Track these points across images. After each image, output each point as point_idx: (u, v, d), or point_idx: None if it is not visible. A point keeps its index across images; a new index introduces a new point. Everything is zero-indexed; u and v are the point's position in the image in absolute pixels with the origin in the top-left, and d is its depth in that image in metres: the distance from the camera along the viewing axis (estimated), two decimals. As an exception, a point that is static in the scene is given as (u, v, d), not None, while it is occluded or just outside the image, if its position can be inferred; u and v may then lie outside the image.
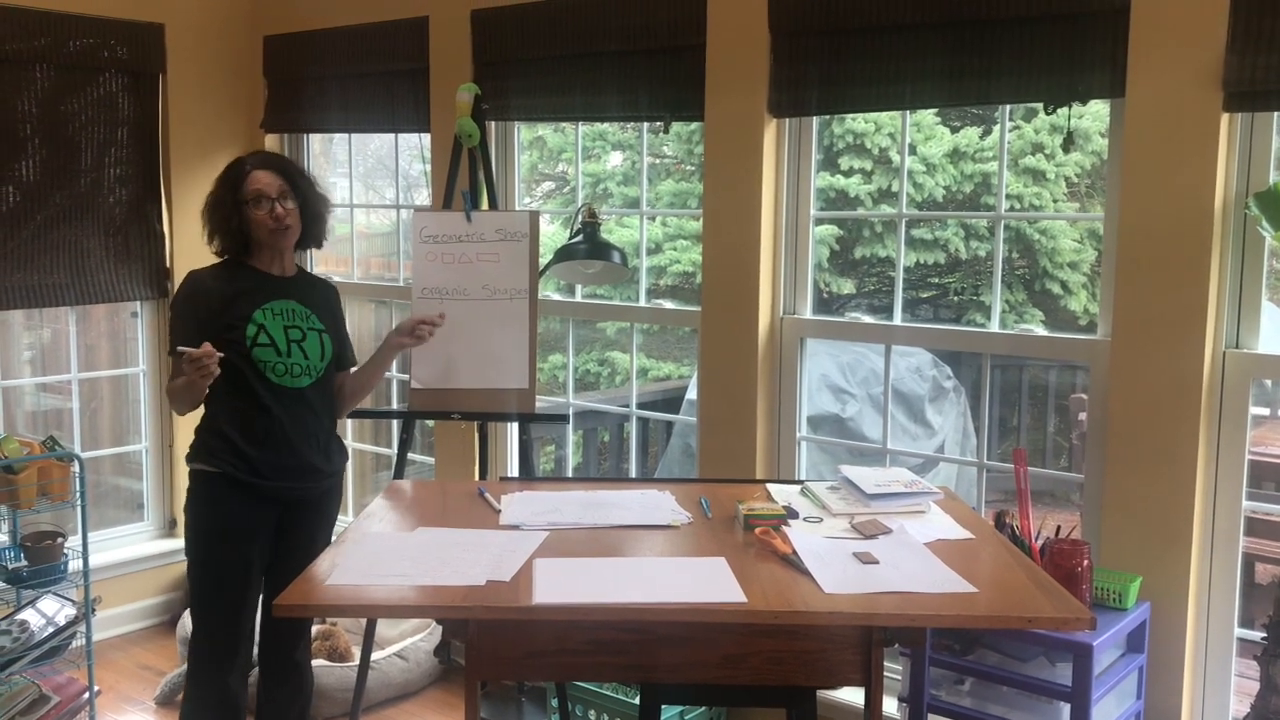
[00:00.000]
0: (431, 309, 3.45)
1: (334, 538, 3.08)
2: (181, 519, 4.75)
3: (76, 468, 3.72)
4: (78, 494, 3.70)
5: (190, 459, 3.01)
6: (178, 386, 2.88)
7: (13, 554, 3.69)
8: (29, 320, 4.75)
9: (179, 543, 4.82)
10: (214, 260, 3.06)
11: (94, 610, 3.74)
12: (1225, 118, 2.72)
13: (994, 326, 3.35)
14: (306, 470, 3.03)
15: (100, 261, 4.53)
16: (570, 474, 6.11)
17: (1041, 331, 3.47)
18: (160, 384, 4.80)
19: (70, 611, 3.68)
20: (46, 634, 3.59)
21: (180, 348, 2.79)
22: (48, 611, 3.66)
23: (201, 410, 2.99)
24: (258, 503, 2.98)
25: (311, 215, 3.07)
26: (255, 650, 3.14)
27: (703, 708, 3.54)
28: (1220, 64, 2.68)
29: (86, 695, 3.71)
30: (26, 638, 3.56)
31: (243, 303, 2.95)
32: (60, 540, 3.69)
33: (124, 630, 4.66)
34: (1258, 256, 2.79)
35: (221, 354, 2.76)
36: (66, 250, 4.44)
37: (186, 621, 4.29)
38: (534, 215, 3.52)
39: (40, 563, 3.63)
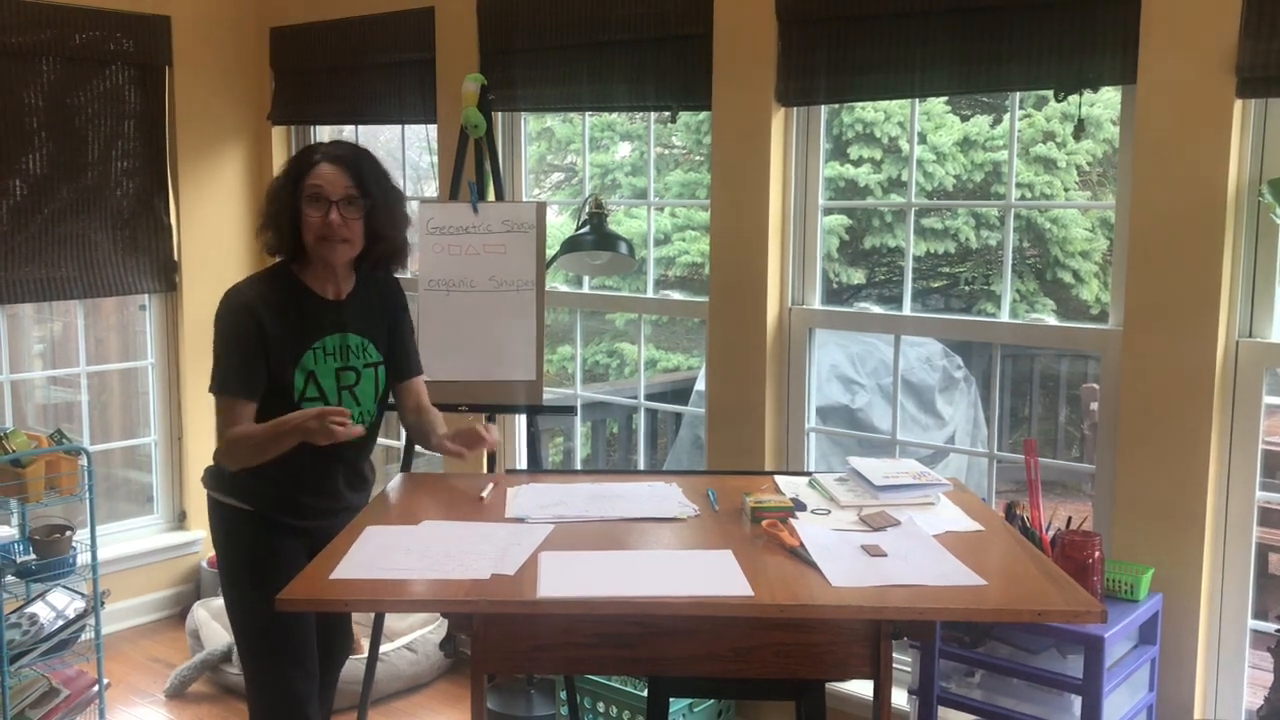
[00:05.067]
0: (438, 300, 3.46)
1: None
2: (192, 516, 4.81)
3: (85, 461, 3.72)
4: (86, 487, 3.70)
5: (219, 490, 2.66)
6: (260, 438, 2.46)
7: (22, 547, 3.70)
8: (39, 314, 4.75)
9: (188, 535, 4.83)
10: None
11: (103, 603, 3.74)
12: (1238, 104, 2.69)
13: (1004, 316, 3.32)
14: (344, 509, 2.71)
15: (108, 255, 4.53)
16: (579, 466, 6.10)
17: (1053, 321, 3.45)
18: (170, 377, 4.80)
19: (79, 605, 3.69)
20: (56, 627, 3.60)
21: (326, 409, 2.39)
22: (57, 605, 3.67)
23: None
24: (291, 536, 2.66)
25: (375, 233, 2.56)
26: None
27: (711, 700, 3.53)
28: (1233, 49, 2.65)
29: (96, 688, 3.71)
30: (36, 631, 3.56)
31: (292, 344, 2.54)
32: (69, 534, 3.69)
33: (133, 623, 4.66)
34: (1271, 244, 2.76)
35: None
36: (74, 243, 4.44)
37: (196, 614, 4.30)
38: (540, 206, 3.50)
39: (49, 556, 3.63)
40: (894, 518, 2.45)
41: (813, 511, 2.52)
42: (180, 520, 4.88)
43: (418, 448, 3.67)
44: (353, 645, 3.13)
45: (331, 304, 2.61)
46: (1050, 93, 2.98)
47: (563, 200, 7.72)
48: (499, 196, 3.67)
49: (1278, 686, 2.63)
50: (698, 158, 7.61)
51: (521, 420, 4.23)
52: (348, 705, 3.87)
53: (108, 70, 4.49)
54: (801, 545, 2.27)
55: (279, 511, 2.63)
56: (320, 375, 2.57)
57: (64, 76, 4.37)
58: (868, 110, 6.64)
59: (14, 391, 4.50)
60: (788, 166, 3.49)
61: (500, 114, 4.11)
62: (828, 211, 3.86)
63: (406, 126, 4.69)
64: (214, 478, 2.68)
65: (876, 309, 3.67)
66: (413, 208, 4.45)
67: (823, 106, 3.45)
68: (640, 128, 7.54)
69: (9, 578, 3.60)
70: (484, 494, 2.67)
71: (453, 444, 2.71)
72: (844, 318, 3.66)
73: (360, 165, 2.52)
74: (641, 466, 4.64)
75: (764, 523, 2.40)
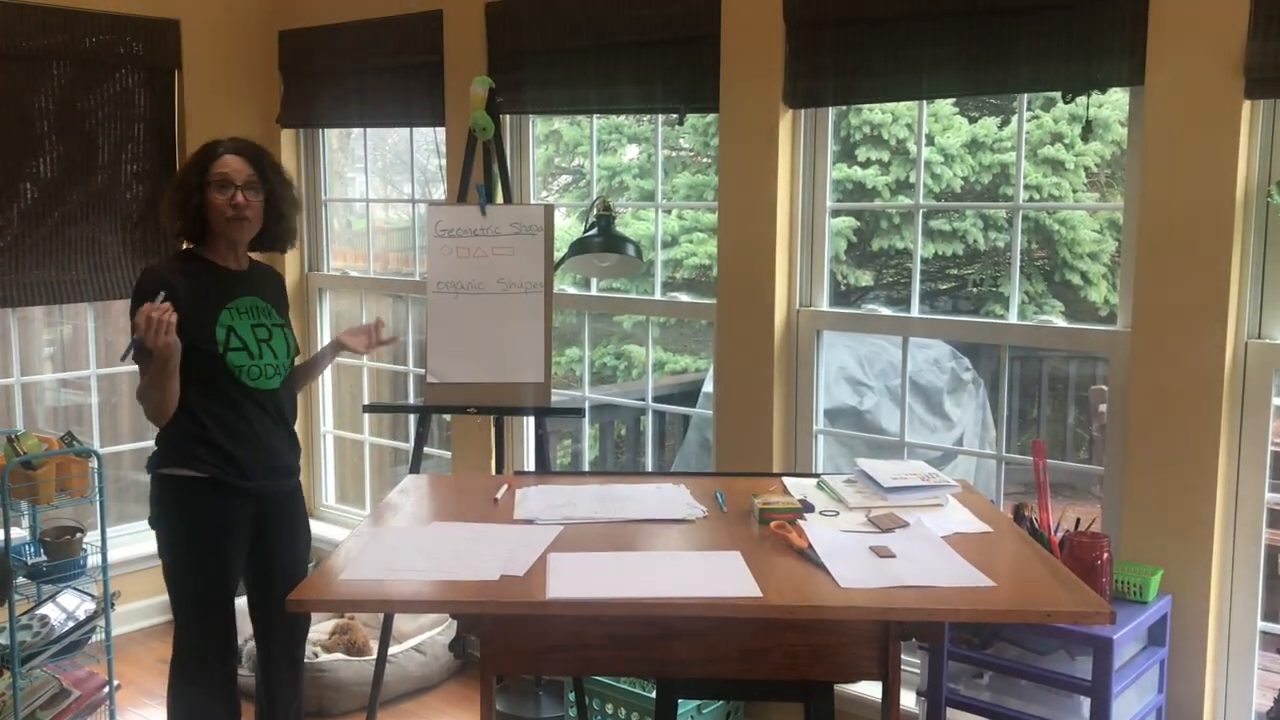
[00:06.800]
0: (446, 303, 3.47)
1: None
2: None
3: (95, 463, 3.73)
4: (96, 489, 3.72)
5: (160, 465, 2.90)
6: (147, 382, 2.77)
7: (32, 549, 3.71)
8: (49, 316, 4.77)
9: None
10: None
11: (113, 605, 3.75)
12: (1247, 105, 2.68)
13: (1013, 318, 3.32)
14: (280, 468, 3.02)
15: (118, 257, 4.55)
16: (587, 468, 6.10)
17: (1061, 323, 3.44)
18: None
19: (90, 606, 3.70)
20: (66, 629, 3.61)
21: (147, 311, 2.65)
22: (68, 606, 3.67)
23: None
24: (240, 502, 2.92)
25: (275, 214, 2.98)
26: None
27: (719, 702, 3.53)
28: (1241, 50, 2.65)
29: (106, 689, 3.72)
30: (47, 632, 3.57)
31: (210, 303, 2.86)
32: (79, 535, 3.70)
33: (143, 625, 4.68)
34: (1280, 245, 2.76)
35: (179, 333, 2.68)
36: (84, 246, 4.46)
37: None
38: (549, 209, 3.51)
39: (60, 558, 3.64)
40: (902, 519, 2.45)
41: (821, 513, 2.53)
42: (190, 522, 4.89)
43: (426, 449, 3.68)
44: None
45: (236, 273, 2.97)
46: (1058, 94, 2.98)
47: (570, 203, 7.72)
48: (507, 199, 3.68)
49: (1287, 688, 2.62)
50: (705, 160, 7.61)
51: (529, 422, 4.24)
52: (357, 706, 3.89)
53: (117, 74, 4.51)
54: (810, 547, 2.27)
55: (226, 473, 2.87)
56: (238, 329, 2.89)
57: (74, 80, 4.39)
58: (875, 112, 6.63)
59: (24, 394, 4.52)
60: (795, 168, 3.49)
61: (508, 116, 4.12)
62: (835, 213, 3.86)
63: (415, 129, 4.70)
64: (163, 454, 2.91)
65: (884, 311, 3.67)
66: (421, 210, 4.47)
67: (830, 108, 3.45)
68: (648, 130, 7.54)
69: (20, 579, 3.62)
70: (498, 496, 2.68)
71: (350, 339, 3.13)
72: (852, 319, 3.66)
73: (259, 157, 2.94)
74: (649, 468, 4.65)
75: (772, 524, 2.40)
